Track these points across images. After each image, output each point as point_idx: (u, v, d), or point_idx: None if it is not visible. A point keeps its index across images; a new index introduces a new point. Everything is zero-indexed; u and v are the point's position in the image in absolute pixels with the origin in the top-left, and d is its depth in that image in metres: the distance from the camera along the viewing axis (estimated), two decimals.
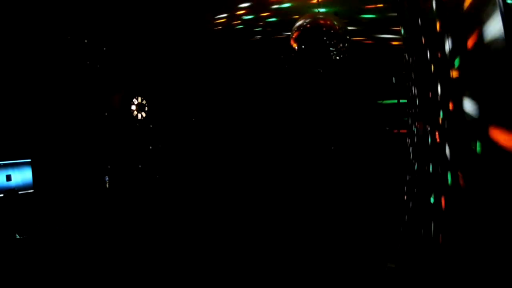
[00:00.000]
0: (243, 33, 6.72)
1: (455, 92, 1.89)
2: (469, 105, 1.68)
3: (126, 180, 7.43)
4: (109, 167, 7.19)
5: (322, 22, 4.19)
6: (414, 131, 4.20)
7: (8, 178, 5.93)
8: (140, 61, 7.53)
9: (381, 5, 4.96)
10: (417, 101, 3.76)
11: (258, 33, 6.69)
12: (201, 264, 5.35)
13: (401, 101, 6.15)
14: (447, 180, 2.21)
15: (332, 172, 7.13)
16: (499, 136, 1.36)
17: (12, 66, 6.10)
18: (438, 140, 2.52)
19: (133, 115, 7.61)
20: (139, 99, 7.73)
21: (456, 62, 1.84)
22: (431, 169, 2.90)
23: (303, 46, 4.41)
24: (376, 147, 6.80)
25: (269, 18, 6.10)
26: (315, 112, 7.29)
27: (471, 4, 1.57)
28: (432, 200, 2.84)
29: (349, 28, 4.66)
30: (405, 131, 6.38)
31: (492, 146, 1.43)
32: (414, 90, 3.97)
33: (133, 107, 7.65)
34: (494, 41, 1.31)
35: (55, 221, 6.00)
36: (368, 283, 4.70)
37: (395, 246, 5.36)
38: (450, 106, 2.04)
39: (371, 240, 5.89)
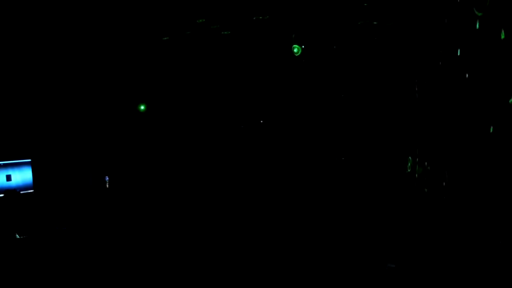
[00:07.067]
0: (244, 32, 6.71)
1: None
2: None
3: (126, 180, 7.43)
4: (109, 167, 7.20)
5: None
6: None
7: (8, 178, 5.93)
8: (140, 61, 7.53)
9: None
10: None
11: (259, 32, 6.68)
12: (201, 264, 5.35)
13: None
14: None
15: (332, 172, 7.12)
16: None
17: (12, 67, 6.10)
18: None
19: (133, 115, 7.62)
20: (139, 99, 7.73)
21: None
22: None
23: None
24: (375, 147, 6.80)
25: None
26: (316, 112, 7.29)
27: None
28: None
29: None
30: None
31: None
32: None
33: (133, 108, 7.65)
34: None
35: (55, 221, 5.99)
36: (368, 283, 4.70)
37: (395, 246, 5.35)
38: None
39: (371, 240, 5.89)
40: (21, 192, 6.01)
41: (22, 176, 6.10)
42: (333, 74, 7.05)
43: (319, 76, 7.15)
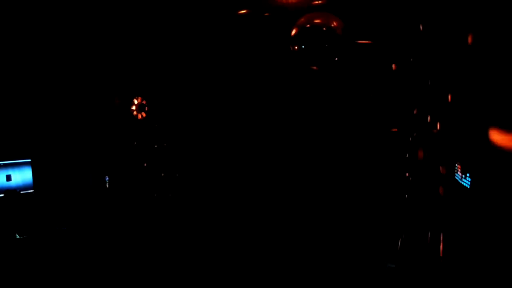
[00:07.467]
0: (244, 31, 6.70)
1: None
2: None
3: (126, 180, 7.43)
4: (109, 167, 7.19)
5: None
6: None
7: (8, 178, 5.93)
8: (140, 60, 7.53)
9: None
10: None
11: (259, 31, 6.67)
12: (201, 264, 5.35)
13: None
14: None
15: (332, 172, 7.12)
16: None
17: (12, 66, 6.10)
18: None
19: (133, 115, 7.61)
20: (139, 99, 7.72)
21: None
22: None
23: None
24: (375, 146, 6.79)
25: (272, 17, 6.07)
26: (316, 111, 7.28)
27: None
28: None
29: None
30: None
31: None
32: None
33: (133, 107, 7.64)
34: None
35: (55, 221, 6.00)
36: (368, 283, 4.71)
37: (395, 246, 5.35)
38: None
39: (371, 240, 5.89)
40: (21, 192, 6.01)
41: (22, 176, 6.10)
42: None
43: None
